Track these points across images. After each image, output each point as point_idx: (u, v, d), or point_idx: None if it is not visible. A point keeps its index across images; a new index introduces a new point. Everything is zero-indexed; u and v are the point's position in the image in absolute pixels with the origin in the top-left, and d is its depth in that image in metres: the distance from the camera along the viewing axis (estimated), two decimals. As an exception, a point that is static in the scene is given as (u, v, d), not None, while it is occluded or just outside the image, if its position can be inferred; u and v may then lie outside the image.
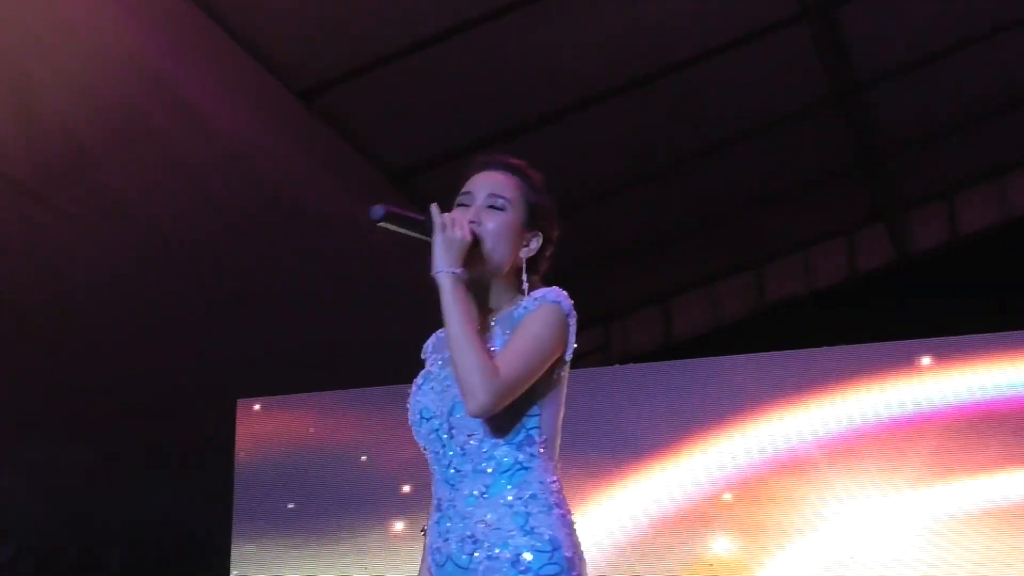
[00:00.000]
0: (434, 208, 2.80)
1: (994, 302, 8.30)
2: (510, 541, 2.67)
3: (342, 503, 7.44)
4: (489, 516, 2.71)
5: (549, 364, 2.78)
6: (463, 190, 2.93)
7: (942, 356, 6.97)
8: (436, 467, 2.82)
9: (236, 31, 6.19)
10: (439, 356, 2.93)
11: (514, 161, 2.99)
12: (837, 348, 7.13)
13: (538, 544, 2.67)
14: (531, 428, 2.78)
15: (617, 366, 7.59)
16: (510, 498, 2.71)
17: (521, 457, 2.75)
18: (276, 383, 7.87)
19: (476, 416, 2.69)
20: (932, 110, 8.63)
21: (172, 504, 8.62)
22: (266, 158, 6.91)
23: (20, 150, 6.04)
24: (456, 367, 2.68)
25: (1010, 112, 8.81)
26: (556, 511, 2.75)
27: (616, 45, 7.02)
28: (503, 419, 2.74)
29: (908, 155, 9.18)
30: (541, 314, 2.79)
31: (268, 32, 6.32)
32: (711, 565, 6.80)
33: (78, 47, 5.72)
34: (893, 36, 7.67)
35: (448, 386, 2.80)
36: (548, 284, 2.95)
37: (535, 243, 2.94)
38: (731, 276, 10.27)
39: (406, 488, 7.36)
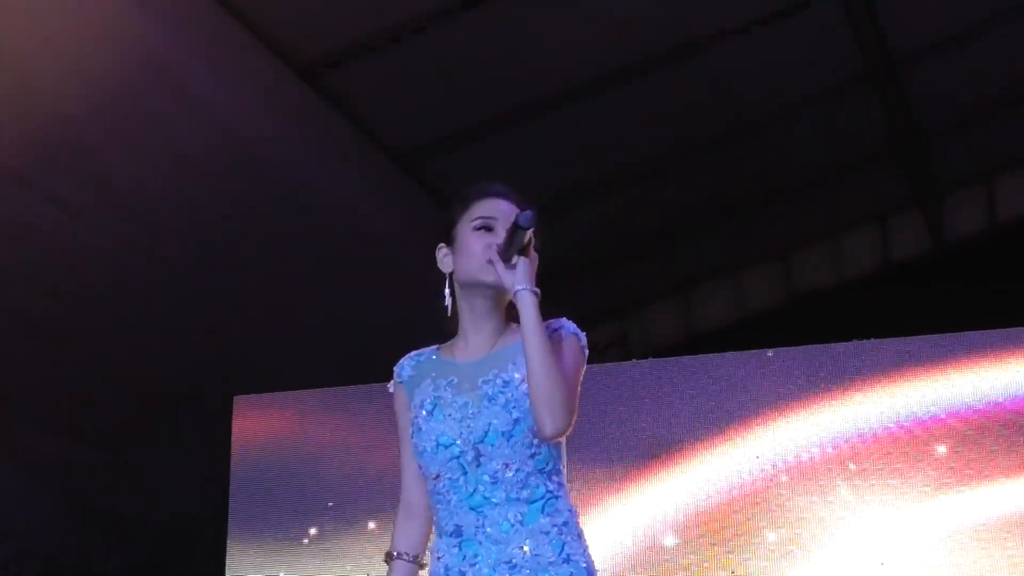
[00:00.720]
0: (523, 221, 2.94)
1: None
2: (551, 569, 2.92)
3: (340, 500, 7.51)
4: (528, 543, 2.92)
5: None
6: (485, 214, 3.07)
7: (979, 351, 7.00)
8: (453, 494, 2.98)
9: (236, 8, 6.23)
10: (443, 381, 3.05)
11: (518, 197, 3.14)
12: (869, 342, 7.15)
13: (576, 571, 2.93)
14: (556, 458, 3.01)
15: (634, 361, 7.61)
16: (546, 526, 2.93)
17: (551, 486, 2.98)
18: (276, 378, 7.94)
19: (551, 438, 2.91)
20: (971, 89, 8.62)
21: (168, 500, 8.71)
22: (268, 141, 6.95)
23: (13, 135, 6.10)
24: (541, 387, 2.87)
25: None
26: (583, 538, 3.01)
27: (638, 21, 7.01)
28: (539, 449, 2.96)
29: (945, 137, 9.19)
30: (570, 346, 3.03)
31: (269, 9, 6.36)
32: (733, 573, 6.86)
33: (74, 29, 5.75)
34: (931, 9, 7.62)
35: (475, 413, 2.97)
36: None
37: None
38: (756, 265, 10.28)
39: None
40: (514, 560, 2.92)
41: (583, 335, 3.09)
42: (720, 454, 6.98)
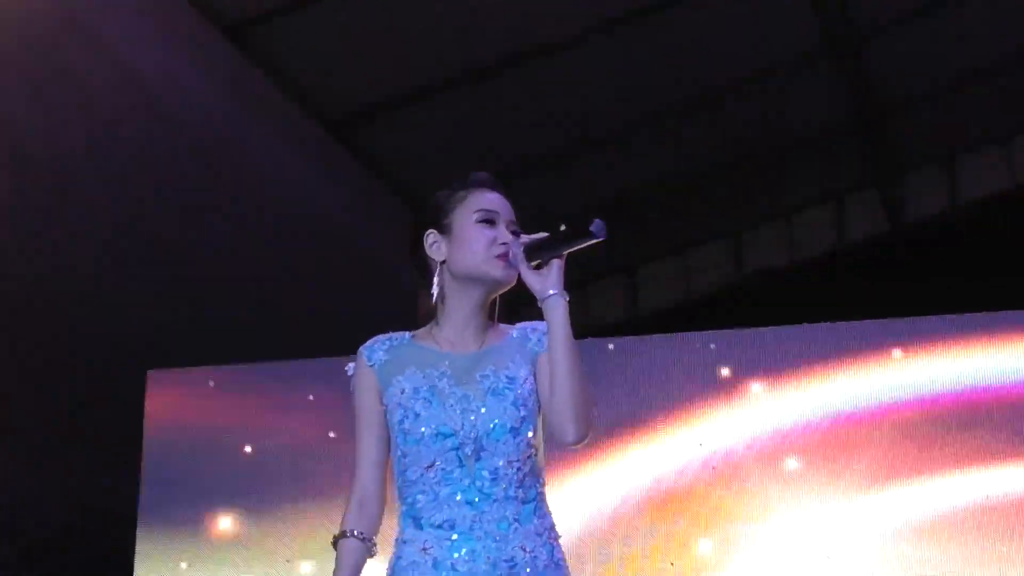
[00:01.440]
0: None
1: (996, 277, 8.41)
2: (547, 573, 3.06)
3: (258, 483, 7.50)
4: (527, 544, 3.04)
5: None
6: (488, 207, 3.16)
7: (933, 337, 7.06)
8: (445, 486, 3.04)
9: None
10: (434, 371, 3.10)
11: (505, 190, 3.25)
12: (821, 325, 7.20)
13: None
14: (541, 462, 3.13)
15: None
16: (539, 528, 3.07)
17: (540, 489, 3.10)
18: (193, 353, 7.90)
19: (576, 444, 3.04)
20: (934, 64, 8.66)
21: (77, 479, 8.64)
22: (188, 101, 6.91)
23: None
24: (574, 395, 3.02)
25: (1021, 69, 8.88)
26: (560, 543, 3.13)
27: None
28: (534, 450, 3.08)
29: (906, 114, 9.24)
30: None
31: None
32: (672, 564, 6.90)
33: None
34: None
35: (479, 407, 3.05)
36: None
37: None
38: (706, 244, 10.33)
39: (326, 470, 7.43)
40: (515, 559, 3.02)
41: None
42: (661, 440, 7.01)
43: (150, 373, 7.78)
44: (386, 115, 7.61)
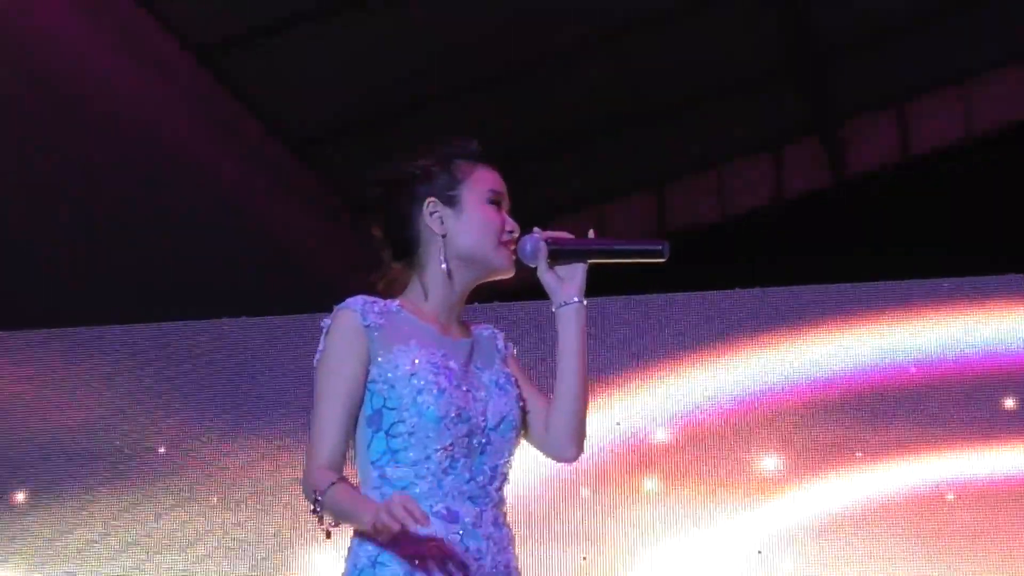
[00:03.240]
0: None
1: (951, 237, 8.54)
2: None
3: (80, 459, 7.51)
4: (512, 555, 3.18)
5: None
6: (498, 188, 3.30)
7: (883, 303, 7.17)
8: (449, 475, 3.09)
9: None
10: (439, 352, 3.13)
11: None
12: (754, 291, 7.27)
13: None
14: None
15: (476, 304, 7.61)
16: (510, 539, 3.19)
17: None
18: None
19: (571, 461, 3.27)
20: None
21: None
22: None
23: None
24: (580, 409, 3.23)
25: (977, 4, 8.98)
26: None
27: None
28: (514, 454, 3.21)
29: (851, 54, 9.32)
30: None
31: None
32: (585, 559, 6.98)
33: None
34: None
35: (488, 397, 3.16)
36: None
37: None
38: (626, 196, 10.36)
39: (161, 449, 7.44)
40: (510, 568, 3.15)
41: None
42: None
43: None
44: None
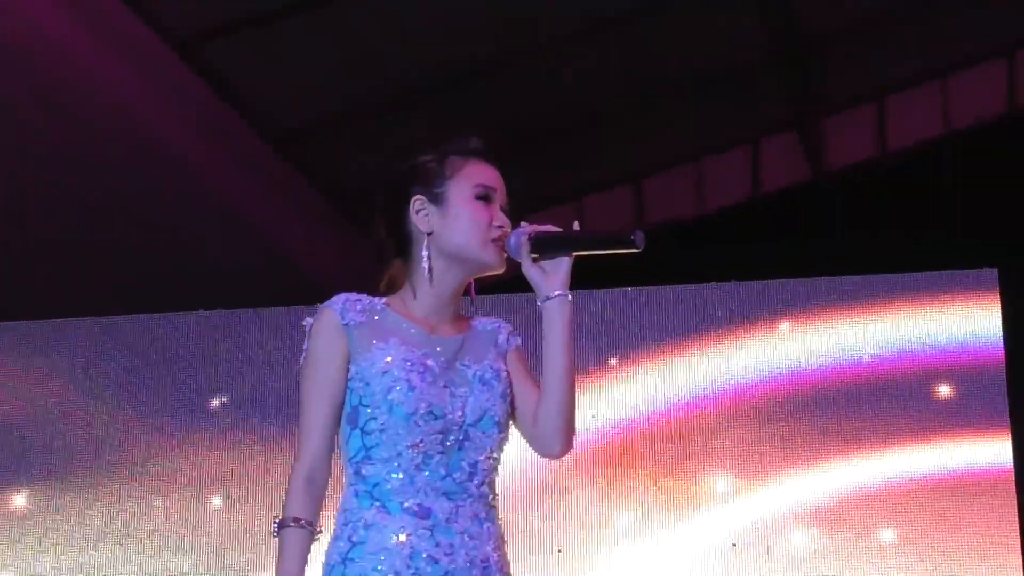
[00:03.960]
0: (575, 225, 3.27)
1: (929, 231, 8.58)
2: None
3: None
4: (500, 547, 3.22)
5: None
6: (487, 182, 3.31)
7: (860, 296, 7.22)
8: (423, 471, 3.14)
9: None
10: (419, 351, 3.18)
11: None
12: (729, 284, 7.32)
13: None
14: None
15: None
16: (498, 535, 3.22)
17: (496, 492, 3.26)
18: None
19: (558, 457, 3.27)
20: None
21: None
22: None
23: None
24: (568, 404, 3.20)
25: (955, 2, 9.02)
26: None
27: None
28: (502, 452, 3.25)
29: (831, 48, 9.34)
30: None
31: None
32: (559, 551, 7.01)
33: None
34: None
35: (468, 393, 3.19)
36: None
37: None
38: (603, 191, 10.36)
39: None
40: (489, 561, 3.16)
41: None
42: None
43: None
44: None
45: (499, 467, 3.24)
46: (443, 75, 8.50)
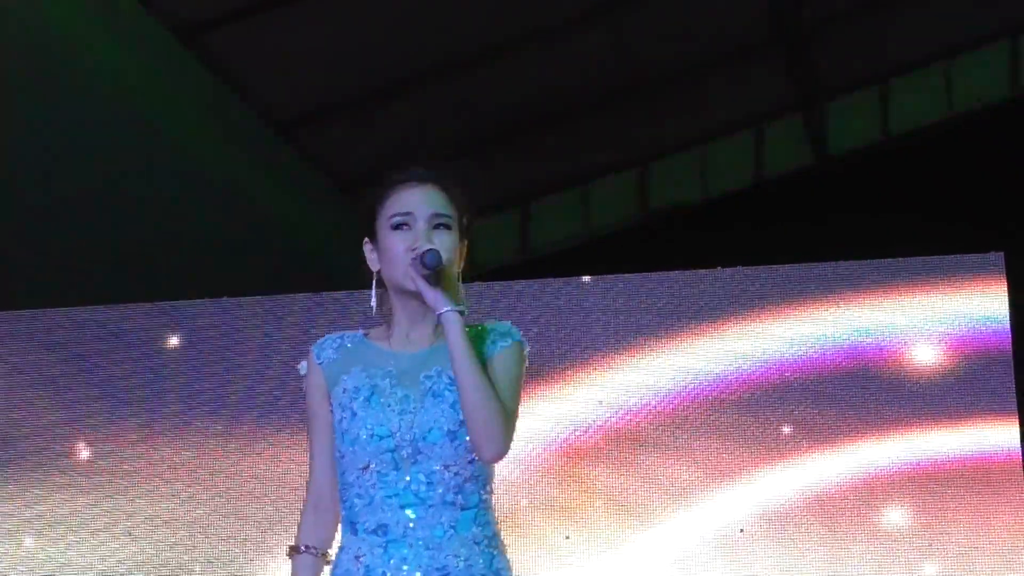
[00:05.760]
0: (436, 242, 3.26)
1: (930, 217, 8.57)
2: None
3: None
4: (462, 552, 3.24)
5: None
6: (399, 210, 3.33)
7: (865, 282, 7.21)
8: (380, 489, 3.25)
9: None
10: (377, 371, 3.32)
11: (440, 173, 3.43)
12: (736, 269, 7.30)
13: None
14: (488, 467, 3.32)
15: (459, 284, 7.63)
16: (478, 537, 3.26)
17: (484, 495, 3.30)
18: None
19: (492, 461, 3.25)
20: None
21: None
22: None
23: None
24: (478, 410, 3.19)
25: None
26: (506, 552, 3.35)
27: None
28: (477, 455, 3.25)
29: (834, 31, 9.34)
30: (515, 354, 3.35)
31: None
32: (567, 538, 7.00)
33: None
34: None
35: (416, 408, 3.26)
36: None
37: (464, 252, 3.41)
38: (608, 176, 10.36)
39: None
40: (448, 569, 3.22)
41: (526, 342, 3.39)
42: (559, 395, 7.08)
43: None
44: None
45: (484, 470, 3.28)
46: (446, 59, 8.47)
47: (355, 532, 3.27)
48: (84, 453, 7.42)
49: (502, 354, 3.32)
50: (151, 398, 7.43)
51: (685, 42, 8.91)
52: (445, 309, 3.18)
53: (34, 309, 7.71)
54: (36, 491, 7.41)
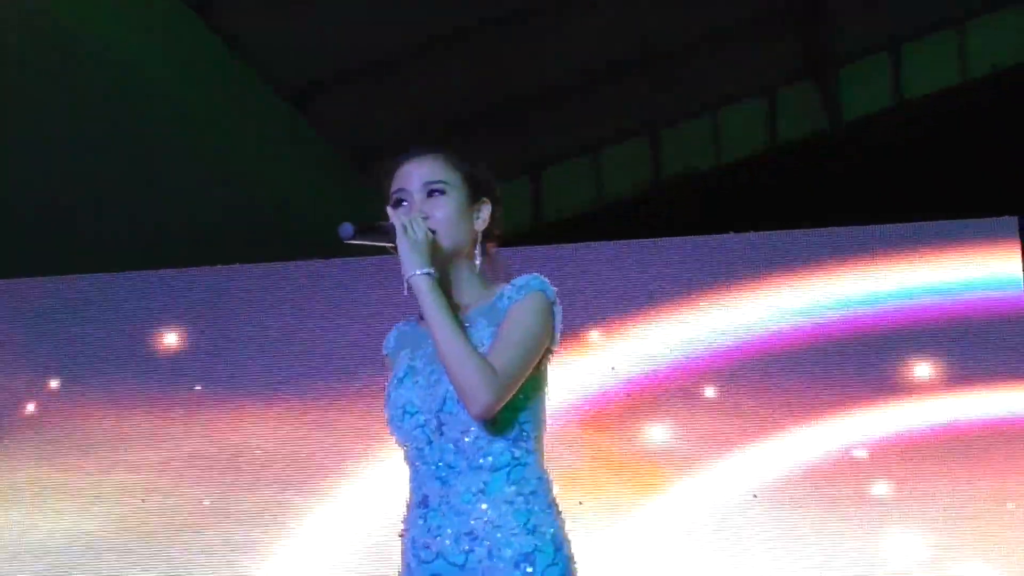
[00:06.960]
0: (390, 211, 3.37)
1: (945, 183, 8.56)
2: (513, 540, 3.23)
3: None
4: (490, 512, 3.24)
5: (540, 355, 3.35)
6: (395, 188, 3.43)
7: (878, 246, 7.20)
8: (420, 463, 3.33)
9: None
10: (419, 352, 3.39)
11: (438, 143, 3.50)
12: (748, 235, 7.30)
13: (541, 544, 3.24)
14: (524, 423, 3.32)
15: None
16: (511, 495, 3.26)
17: (517, 453, 3.29)
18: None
19: (480, 418, 3.22)
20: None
21: None
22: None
23: None
24: (452, 369, 3.22)
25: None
26: (554, 508, 3.33)
27: None
28: (498, 415, 3.25)
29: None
30: (528, 303, 3.34)
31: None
32: (580, 503, 7.02)
33: None
34: None
35: (436, 380, 3.30)
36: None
37: (486, 211, 3.48)
38: (620, 143, 10.35)
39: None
40: (475, 531, 3.23)
41: (550, 288, 3.40)
42: (572, 362, 7.08)
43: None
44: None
45: (514, 427, 3.28)
46: (457, 30, 8.46)
47: (409, 508, 3.35)
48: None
49: (512, 307, 3.33)
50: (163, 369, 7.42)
51: (698, 8, 8.89)
52: (409, 274, 3.24)
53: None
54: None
